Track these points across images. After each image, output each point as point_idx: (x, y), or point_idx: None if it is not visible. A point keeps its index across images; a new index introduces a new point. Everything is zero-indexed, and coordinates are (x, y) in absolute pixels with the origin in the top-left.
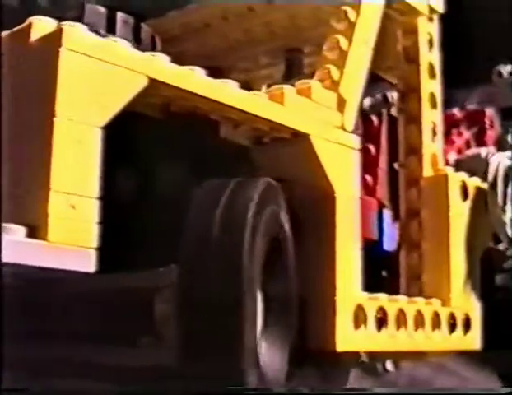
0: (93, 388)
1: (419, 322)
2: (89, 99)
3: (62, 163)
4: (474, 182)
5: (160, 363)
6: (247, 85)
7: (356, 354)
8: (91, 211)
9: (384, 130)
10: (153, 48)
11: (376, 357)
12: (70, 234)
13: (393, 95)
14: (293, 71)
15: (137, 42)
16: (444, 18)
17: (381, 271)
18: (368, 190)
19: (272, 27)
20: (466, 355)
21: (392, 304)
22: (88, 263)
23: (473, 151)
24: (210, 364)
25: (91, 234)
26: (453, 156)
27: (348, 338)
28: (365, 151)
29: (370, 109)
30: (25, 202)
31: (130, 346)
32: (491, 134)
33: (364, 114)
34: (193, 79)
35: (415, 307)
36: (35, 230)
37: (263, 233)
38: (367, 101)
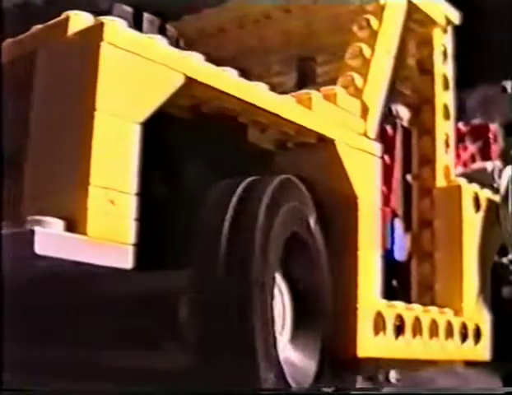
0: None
1: (433, 330)
2: (129, 94)
3: (102, 157)
4: (486, 194)
5: (181, 365)
6: None
7: (376, 360)
8: (129, 207)
9: (399, 140)
10: None
11: (382, 366)
12: (108, 229)
13: (398, 109)
14: (306, 79)
15: None
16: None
17: (391, 281)
18: (382, 199)
19: (287, 35)
20: (475, 365)
21: (409, 312)
22: (125, 260)
23: (479, 164)
24: (223, 366)
25: (129, 231)
26: (459, 170)
27: (368, 344)
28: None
29: None
30: (63, 197)
31: (152, 348)
32: (495, 148)
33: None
34: (227, 79)
35: (430, 316)
36: (74, 225)
37: (281, 229)
38: None
